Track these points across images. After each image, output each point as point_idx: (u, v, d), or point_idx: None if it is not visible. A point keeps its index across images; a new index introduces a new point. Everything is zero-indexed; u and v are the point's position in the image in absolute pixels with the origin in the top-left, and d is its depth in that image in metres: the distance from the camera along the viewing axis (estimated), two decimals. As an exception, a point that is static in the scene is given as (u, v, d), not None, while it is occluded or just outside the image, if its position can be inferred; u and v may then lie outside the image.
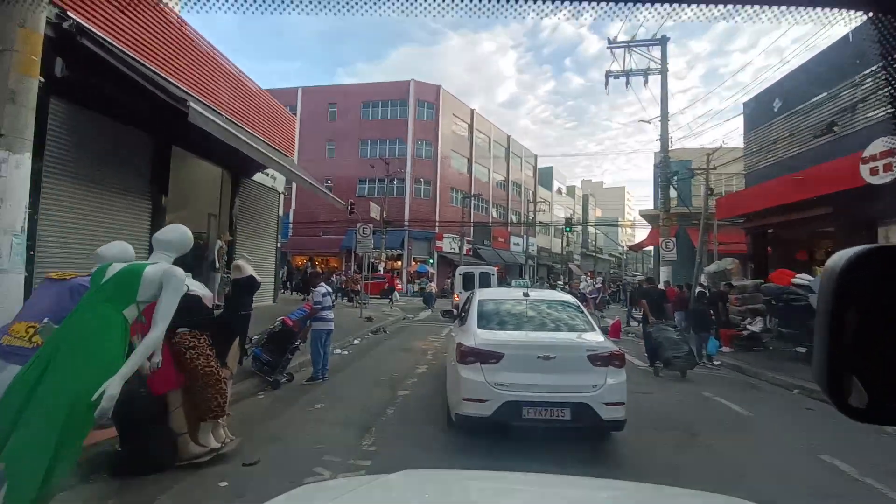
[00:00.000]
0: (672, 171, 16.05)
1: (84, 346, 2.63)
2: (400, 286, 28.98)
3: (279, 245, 14.82)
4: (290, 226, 34.92)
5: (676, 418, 5.87)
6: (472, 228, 35.21)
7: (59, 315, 3.15)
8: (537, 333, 4.94)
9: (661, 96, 15.62)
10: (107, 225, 8.33)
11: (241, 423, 5.22)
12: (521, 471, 2.06)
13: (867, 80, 9.99)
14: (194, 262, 12.14)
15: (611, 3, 0.39)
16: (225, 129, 8.52)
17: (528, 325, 5.10)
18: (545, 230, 50.44)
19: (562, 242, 49.86)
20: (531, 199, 46.21)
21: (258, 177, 13.57)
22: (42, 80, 7.22)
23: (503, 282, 24.50)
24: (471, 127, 38.57)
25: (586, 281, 18.36)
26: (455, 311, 9.18)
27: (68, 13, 6.35)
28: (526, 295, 5.63)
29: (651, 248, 35.79)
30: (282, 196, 14.90)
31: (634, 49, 15.17)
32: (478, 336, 4.72)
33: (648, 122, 16.42)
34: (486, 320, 5.08)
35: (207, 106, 9.24)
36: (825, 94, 11.71)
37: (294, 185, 35.89)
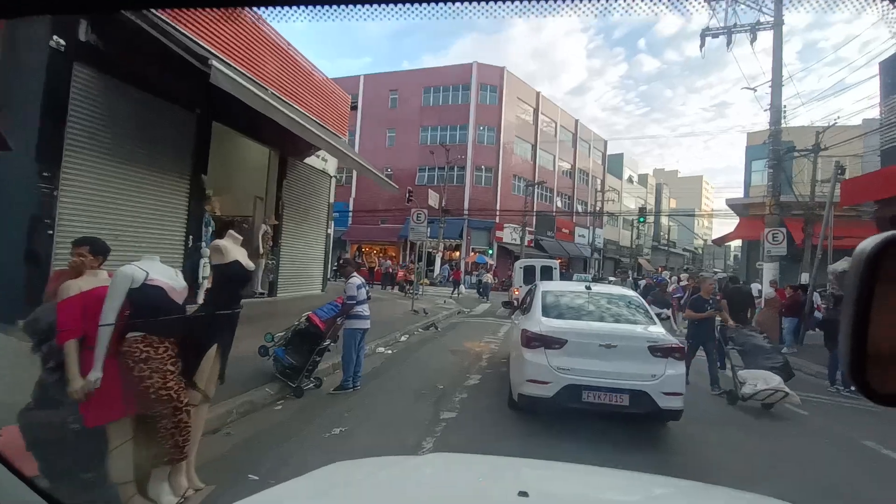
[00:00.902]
0: (786, 148, 13.37)
1: None
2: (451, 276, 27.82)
3: (330, 231, 14.03)
4: (350, 214, 34.82)
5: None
6: (534, 218, 33.22)
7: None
8: (600, 324, 5.11)
9: (774, 55, 12.95)
10: (139, 206, 7.69)
11: (243, 444, 4.17)
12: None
13: None
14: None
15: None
16: (257, 96, 7.56)
17: (589, 315, 5.31)
18: (613, 221, 47.11)
19: (631, 235, 46.32)
20: (599, 188, 43.18)
21: (309, 159, 12.78)
22: (62, 42, 6.72)
23: (565, 276, 22.52)
24: (536, 111, 36.35)
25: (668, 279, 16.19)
26: (515, 302, 9.27)
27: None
28: (588, 288, 5.92)
29: (738, 241, 31.98)
30: (333, 180, 14.06)
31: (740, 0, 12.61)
32: (542, 323, 4.92)
33: (754, 89, 13.80)
34: (549, 310, 5.27)
35: (249, 77, 8.35)
36: None
37: (354, 173, 35.83)
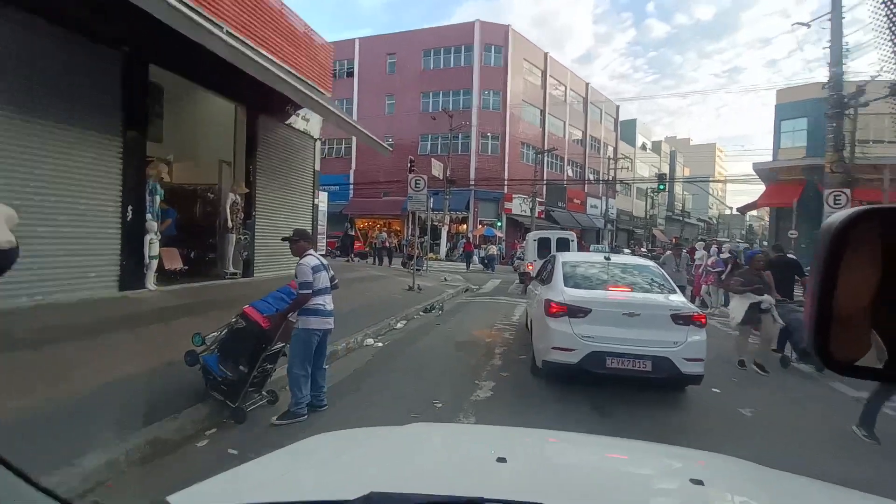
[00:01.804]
0: (848, 96, 11.19)
1: None
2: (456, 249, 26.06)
3: (318, 202, 12.23)
4: (351, 187, 32.97)
5: None
6: (544, 188, 31.12)
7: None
8: (623, 293, 5.10)
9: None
10: (52, 170, 5.95)
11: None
12: None
13: None
14: (205, 220, 9.88)
15: None
16: (203, 29, 5.68)
17: (611, 285, 5.23)
18: (627, 191, 44.78)
19: (646, 204, 44.02)
20: (611, 157, 40.72)
21: (289, 120, 10.89)
22: None
23: (579, 248, 20.69)
24: (544, 74, 33.75)
25: (705, 250, 14.31)
26: (530, 275, 9.01)
27: None
28: (607, 258, 5.85)
29: (766, 209, 29.68)
30: (318, 144, 12.16)
31: None
32: (566, 293, 4.98)
33: (807, 24, 11.51)
34: (571, 280, 5.31)
35: (195, 9, 6.42)
36: None
37: (354, 143, 33.74)
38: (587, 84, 39.12)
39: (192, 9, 6.16)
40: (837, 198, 10.87)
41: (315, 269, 4.03)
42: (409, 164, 22.25)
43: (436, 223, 28.40)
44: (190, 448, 3.52)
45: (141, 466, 3.19)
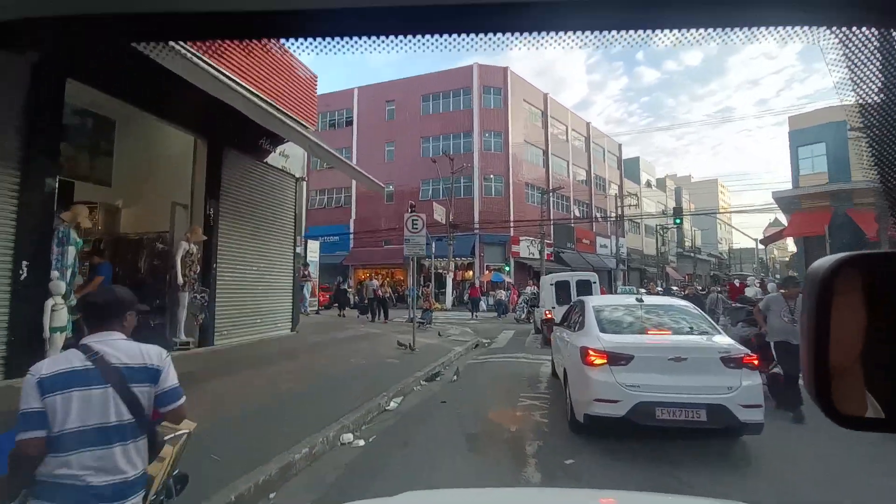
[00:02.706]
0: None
1: None
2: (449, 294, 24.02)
3: (299, 250, 10.44)
4: (351, 236, 31.48)
5: None
6: (552, 229, 29.43)
7: None
8: (664, 336, 4.81)
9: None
10: None
11: None
12: None
13: None
14: (152, 275, 8.04)
15: (585, 32, 0.45)
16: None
17: (649, 329, 4.94)
18: (635, 229, 43.07)
19: (656, 242, 42.16)
20: (617, 195, 39.34)
21: (269, 158, 9.33)
22: None
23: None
24: (545, 115, 32.96)
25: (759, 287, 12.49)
26: (553, 321, 8.02)
27: None
28: (640, 300, 5.62)
29: (790, 239, 27.67)
30: (301, 183, 10.54)
31: None
32: (603, 339, 4.66)
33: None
34: (605, 325, 4.99)
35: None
36: None
37: (354, 192, 32.58)
38: (588, 123, 38.38)
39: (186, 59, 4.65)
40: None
41: (56, 384, 1.62)
42: (409, 208, 20.69)
43: (440, 270, 26.57)
44: None
45: None
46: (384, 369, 7.91)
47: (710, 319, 5.33)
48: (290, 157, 9.96)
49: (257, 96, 7.49)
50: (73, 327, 5.48)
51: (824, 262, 0.43)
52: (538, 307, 16.23)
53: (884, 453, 4.10)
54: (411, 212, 10.60)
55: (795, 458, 4.33)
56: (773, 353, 5.75)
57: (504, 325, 17.33)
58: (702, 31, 0.46)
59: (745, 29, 0.45)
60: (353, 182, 32.28)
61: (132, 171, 8.08)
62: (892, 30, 0.44)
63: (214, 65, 6.51)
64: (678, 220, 26.23)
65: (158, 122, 7.42)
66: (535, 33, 0.46)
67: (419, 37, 0.46)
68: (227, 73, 6.69)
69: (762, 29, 0.45)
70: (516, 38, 0.47)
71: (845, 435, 0.65)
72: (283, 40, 0.49)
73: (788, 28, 0.44)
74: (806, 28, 0.44)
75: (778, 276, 27.89)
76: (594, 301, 5.80)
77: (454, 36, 0.47)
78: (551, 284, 13.87)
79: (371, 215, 30.30)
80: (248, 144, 8.68)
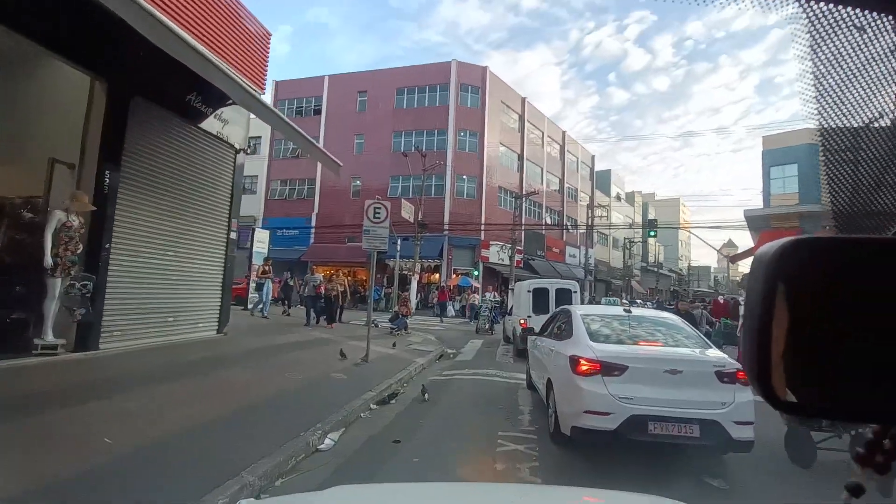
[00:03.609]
0: None
1: None
2: (411, 303, 22.53)
3: (234, 236, 8.55)
4: (312, 231, 29.36)
5: None
6: (522, 234, 28.31)
7: None
8: (658, 348, 4.65)
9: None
10: None
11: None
12: None
13: None
14: (12, 254, 6.02)
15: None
16: None
17: (640, 340, 4.76)
18: (603, 241, 42.76)
19: (623, 255, 41.95)
20: (588, 205, 38.84)
21: (192, 113, 7.47)
22: None
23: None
24: (522, 119, 31.95)
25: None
26: (533, 331, 7.31)
27: None
28: (628, 311, 5.42)
29: (714, 263, 27.40)
30: (241, 154, 8.68)
31: None
32: (595, 349, 4.44)
33: None
34: (595, 335, 4.78)
35: None
36: None
37: (318, 183, 30.42)
38: (564, 132, 37.71)
39: None
40: None
41: None
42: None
43: (405, 272, 24.87)
44: None
45: None
46: (326, 388, 6.21)
47: (701, 335, 5.18)
48: (228, 121, 8.13)
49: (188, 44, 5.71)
50: None
51: (771, 245, 0.41)
52: (509, 315, 14.90)
53: None
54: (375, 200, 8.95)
55: None
56: None
57: (472, 334, 15.83)
58: None
59: None
60: (318, 173, 30.23)
61: (6, 120, 6.09)
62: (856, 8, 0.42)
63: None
64: (652, 233, 25.61)
65: (45, 56, 5.52)
66: None
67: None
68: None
69: None
70: None
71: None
72: None
73: None
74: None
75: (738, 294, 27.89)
76: (581, 310, 5.55)
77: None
78: (529, 291, 12.53)
79: (335, 210, 28.30)
80: (169, 97, 6.82)
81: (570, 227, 36.10)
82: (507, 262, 27.01)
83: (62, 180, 5.88)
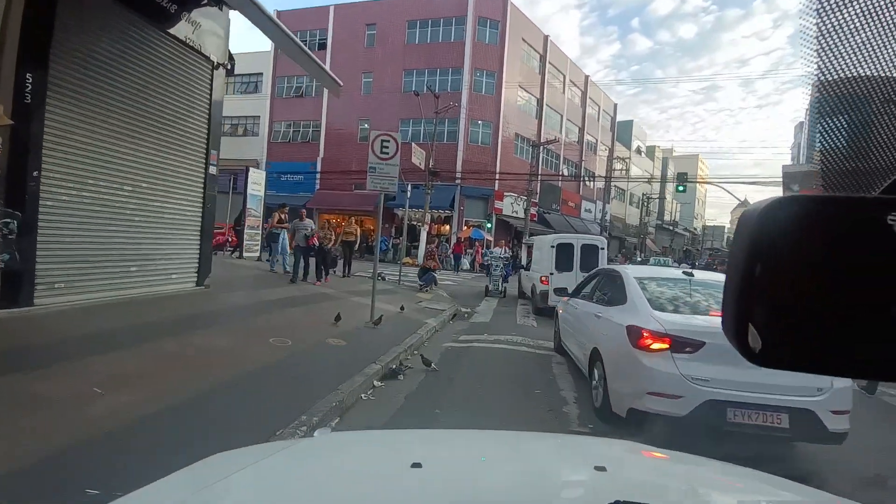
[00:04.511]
0: None
1: None
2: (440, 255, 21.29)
3: (213, 171, 7.09)
4: (318, 176, 27.78)
5: None
6: (538, 185, 26.52)
7: None
8: None
9: None
10: None
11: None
12: None
13: None
14: None
15: None
16: None
17: (712, 311, 3.94)
18: (620, 196, 40.77)
19: (640, 212, 40.08)
20: (607, 157, 36.58)
21: (155, 12, 5.83)
22: None
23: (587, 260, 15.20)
24: (543, 59, 29.20)
25: None
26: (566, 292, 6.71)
27: None
28: (689, 274, 4.58)
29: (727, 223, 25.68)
30: (220, 70, 7.07)
31: None
32: (661, 319, 3.76)
33: None
34: (656, 302, 4.08)
35: None
36: None
37: (323, 126, 28.44)
38: (587, 77, 34.80)
39: None
40: None
41: None
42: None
43: (414, 222, 23.47)
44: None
45: None
46: (320, 359, 5.01)
47: None
48: (201, 26, 6.46)
49: None
50: None
51: (761, 203, 0.42)
52: (525, 271, 13.65)
53: None
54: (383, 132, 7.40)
55: None
56: None
57: (489, 291, 14.57)
58: None
59: None
60: (324, 114, 28.23)
61: None
62: None
63: None
64: (681, 188, 23.75)
65: None
66: None
67: None
68: None
69: None
70: None
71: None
72: None
73: None
74: None
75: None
76: (633, 270, 4.96)
77: None
78: (552, 247, 11.29)
79: (341, 155, 26.55)
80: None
81: (588, 179, 34.09)
82: (521, 214, 25.46)
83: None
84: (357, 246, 13.85)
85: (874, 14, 0.44)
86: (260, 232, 13.63)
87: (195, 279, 6.84)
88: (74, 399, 3.22)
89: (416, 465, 1.10)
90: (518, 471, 1.28)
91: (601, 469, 1.12)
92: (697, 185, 66.34)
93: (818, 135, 0.53)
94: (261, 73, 30.19)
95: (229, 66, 7.06)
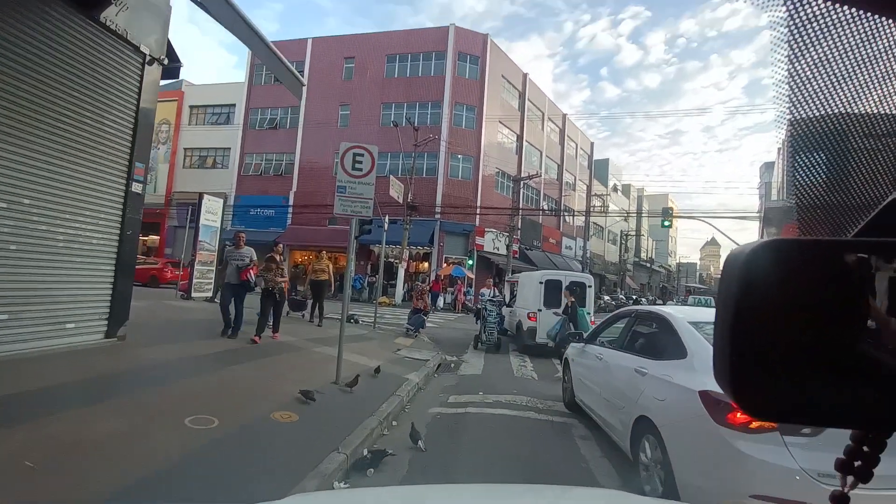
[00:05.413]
0: None
1: None
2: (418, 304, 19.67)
3: (137, 189, 5.56)
4: (290, 211, 26.26)
5: None
6: (519, 221, 25.64)
7: None
8: None
9: None
10: None
11: None
12: None
13: None
14: None
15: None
16: None
17: None
18: (599, 233, 40.49)
19: (620, 249, 39.77)
20: (587, 193, 36.43)
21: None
22: None
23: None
24: (522, 96, 29.13)
25: None
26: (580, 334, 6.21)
27: None
28: None
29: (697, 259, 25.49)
30: (155, 66, 5.70)
31: None
32: None
33: None
34: None
35: None
36: None
37: (297, 158, 27.11)
38: (564, 115, 35.03)
39: None
40: None
41: None
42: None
43: (391, 259, 21.99)
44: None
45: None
46: (257, 447, 3.40)
47: None
48: (131, 9, 5.14)
49: None
50: None
51: (746, 246, 0.41)
52: (508, 308, 12.30)
53: None
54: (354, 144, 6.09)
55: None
56: None
57: (470, 332, 13.04)
58: None
59: None
60: (298, 147, 27.06)
61: None
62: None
63: None
64: (667, 223, 23.26)
65: None
66: None
67: None
68: None
69: None
70: None
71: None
72: None
73: None
74: None
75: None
76: (687, 314, 3.69)
77: None
78: (540, 283, 10.42)
79: (316, 189, 25.20)
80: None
81: (569, 214, 33.63)
82: (502, 251, 24.38)
83: None
84: (331, 286, 12.20)
85: (845, 52, 0.42)
86: (214, 269, 11.93)
87: (104, 329, 5.16)
88: None
89: None
90: None
91: None
92: (670, 222, 67.77)
93: (795, 171, 0.50)
94: (233, 105, 29.08)
95: (166, 62, 5.70)
